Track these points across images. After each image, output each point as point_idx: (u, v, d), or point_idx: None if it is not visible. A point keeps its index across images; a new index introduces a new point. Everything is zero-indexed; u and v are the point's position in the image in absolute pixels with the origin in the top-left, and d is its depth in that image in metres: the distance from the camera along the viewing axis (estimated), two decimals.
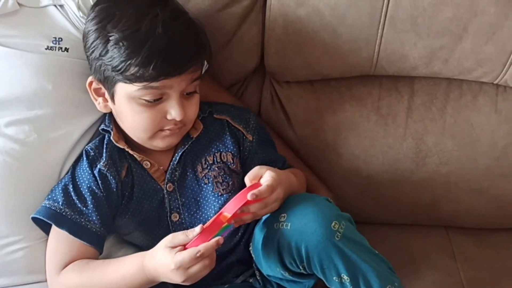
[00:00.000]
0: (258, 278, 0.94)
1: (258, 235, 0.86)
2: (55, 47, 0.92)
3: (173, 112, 0.84)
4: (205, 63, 1.00)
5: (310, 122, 1.08)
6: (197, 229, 0.76)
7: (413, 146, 1.06)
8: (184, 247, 0.76)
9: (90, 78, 0.88)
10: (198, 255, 0.74)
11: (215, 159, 0.94)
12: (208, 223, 0.77)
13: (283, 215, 0.81)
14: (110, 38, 0.81)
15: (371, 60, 1.02)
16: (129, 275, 0.81)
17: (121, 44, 0.80)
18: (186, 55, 0.82)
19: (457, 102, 1.06)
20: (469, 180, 1.07)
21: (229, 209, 0.77)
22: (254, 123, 0.98)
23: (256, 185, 0.79)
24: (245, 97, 1.12)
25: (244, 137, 0.96)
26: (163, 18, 0.81)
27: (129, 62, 0.80)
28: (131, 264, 0.82)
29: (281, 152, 1.04)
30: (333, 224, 0.79)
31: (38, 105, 0.91)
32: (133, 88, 0.82)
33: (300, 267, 0.82)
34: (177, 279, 0.76)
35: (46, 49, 0.92)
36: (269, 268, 0.85)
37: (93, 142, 0.93)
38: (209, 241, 0.75)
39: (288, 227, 0.80)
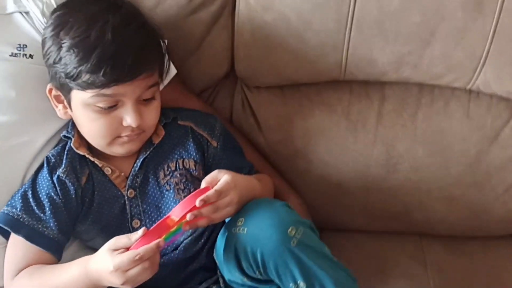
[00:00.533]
0: (222, 285, 0.93)
1: (220, 240, 0.85)
2: (20, 53, 0.92)
3: (129, 119, 0.84)
4: (171, 69, 1.01)
5: (280, 128, 1.07)
6: (140, 232, 0.75)
7: (383, 152, 1.05)
8: (127, 250, 0.75)
9: (49, 85, 0.88)
10: (137, 258, 0.73)
11: (177, 165, 0.93)
12: (153, 226, 0.77)
13: (240, 219, 0.81)
14: (63, 45, 0.81)
15: (339, 65, 1.01)
16: (73, 279, 0.81)
17: (72, 51, 0.80)
18: (136, 61, 0.82)
19: (429, 108, 1.04)
20: (441, 187, 1.05)
21: (177, 213, 0.77)
22: (219, 130, 0.98)
23: (206, 189, 0.79)
24: (216, 102, 1.11)
25: (209, 144, 0.95)
26: (113, 24, 0.81)
27: (80, 68, 0.80)
28: (75, 268, 0.82)
29: (250, 158, 1.03)
30: (289, 230, 0.78)
31: (2, 112, 0.91)
32: (87, 95, 0.82)
33: (257, 272, 0.81)
34: (116, 281, 0.75)
35: (10, 55, 0.92)
36: (229, 273, 0.85)
37: (55, 149, 0.93)
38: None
39: (245, 232, 0.79)
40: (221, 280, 0.93)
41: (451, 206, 1.07)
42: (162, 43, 0.91)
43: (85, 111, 0.85)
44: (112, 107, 0.84)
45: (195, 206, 0.76)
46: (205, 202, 0.76)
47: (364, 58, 0.99)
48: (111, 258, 0.75)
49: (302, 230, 0.80)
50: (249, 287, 0.87)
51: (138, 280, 0.75)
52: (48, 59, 0.84)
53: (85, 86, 0.81)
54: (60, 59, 0.82)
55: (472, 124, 1.03)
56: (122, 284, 0.75)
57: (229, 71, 1.09)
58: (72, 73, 0.81)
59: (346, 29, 0.96)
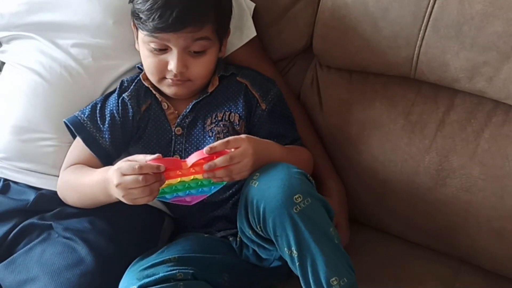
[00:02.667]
0: (238, 239, 0.98)
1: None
2: None
3: (172, 64, 0.93)
4: (250, 31, 1.07)
5: (339, 112, 1.07)
6: (155, 156, 0.83)
7: (435, 162, 0.99)
8: None
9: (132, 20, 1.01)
10: (136, 167, 0.81)
11: (224, 117, 0.99)
12: (168, 158, 0.84)
13: (257, 174, 0.85)
14: None
15: (410, 61, 0.97)
16: (95, 181, 0.91)
17: None
18: (181, 15, 0.89)
19: (498, 128, 0.95)
20: (491, 217, 0.96)
21: (190, 159, 0.83)
22: (274, 95, 1.01)
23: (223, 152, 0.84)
24: (290, 74, 1.15)
25: (258, 105, 1.00)
26: None
27: (139, 11, 0.92)
28: (100, 171, 0.92)
29: (303, 133, 1.05)
30: (296, 196, 0.80)
31: (100, 35, 1.06)
32: (143, 35, 0.94)
33: (258, 227, 0.84)
34: (113, 179, 0.83)
35: None
36: (241, 223, 0.89)
37: (132, 76, 1.05)
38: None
39: (255, 185, 0.83)
40: (239, 234, 0.99)
41: (499, 240, 0.97)
42: (230, 2, 0.97)
43: (142, 48, 0.96)
44: (162, 50, 0.94)
45: (210, 156, 0.82)
46: (211, 150, 0.82)
47: (437, 59, 0.94)
48: (120, 162, 0.85)
49: (310, 201, 0.81)
50: (258, 245, 0.91)
51: (129, 190, 0.82)
52: None
53: (141, 27, 0.93)
54: None
55: None
56: (117, 186, 0.83)
57: (308, 46, 1.12)
58: (135, 13, 0.93)
59: (422, 25, 0.93)
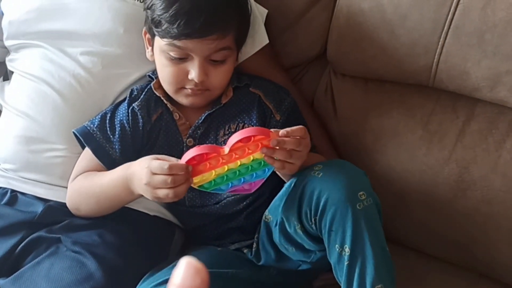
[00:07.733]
0: (254, 249, 0.96)
1: (286, 185, 0.86)
2: None
3: (193, 73, 0.90)
4: (262, 38, 1.04)
5: (355, 120, 1.04)
6: (193, 148, 0.80)
7: (455, 173, 0.96)
8: None
9: (144, 28, 0.98)
10: (165, 167, 0.79)
11: (237, 128, 0.96)
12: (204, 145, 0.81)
13: (319, 166, 0.82)
14: None
15: (429, 69, 0.94)
16: (114, 179, 0.89)
17: (160, 0, 0.88)
18: (208, 21, 0.86)
19: None
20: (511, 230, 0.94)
21: (229, 143, 0.79)
22: (288, 105, 0.98)
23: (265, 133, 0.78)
24: (303, 81, 1.12)
25: (272, 116, 0.97)
26: None
27: (161, 17, 0.88)
28: (119, 170, 0.90)
29: (317, 142, 1.02)
30: (361, 193, 0.78)
31: (110, 44, 1.03)
32: (163, 43, 0.90)
33: (312, 220, 0.81)
34: (142, 178, 0.82)
35: None
36: (288, 216, 0.84)
37: (141, 85, 1.02)
38: None
39: (319, 176, 0.81)
40: (254, 245, 0.96)
41: None
42: (249, 11, 0.95)
43: (160, 57, 0.93)
44: (182, 59, 0.90)
45: (247, 138, 0.77)
46: (287, 133, 0.78)
47: (457, 67, 0.91)
48: (150, 160, 0.82)
49: (372, 201, 0.79)
50: (294, 243, 0.87)
51: (157, 189, 0.80)
52: (145, 3, 0.94)
53: (162, 34, 0.89)
54: (152, 5, 0.90)
55: None
56: (145, 184, 0.81)
57: (322, 53, 1.09)
58: (155, 20, 0.89)
59: (442, 33, 0.90)
